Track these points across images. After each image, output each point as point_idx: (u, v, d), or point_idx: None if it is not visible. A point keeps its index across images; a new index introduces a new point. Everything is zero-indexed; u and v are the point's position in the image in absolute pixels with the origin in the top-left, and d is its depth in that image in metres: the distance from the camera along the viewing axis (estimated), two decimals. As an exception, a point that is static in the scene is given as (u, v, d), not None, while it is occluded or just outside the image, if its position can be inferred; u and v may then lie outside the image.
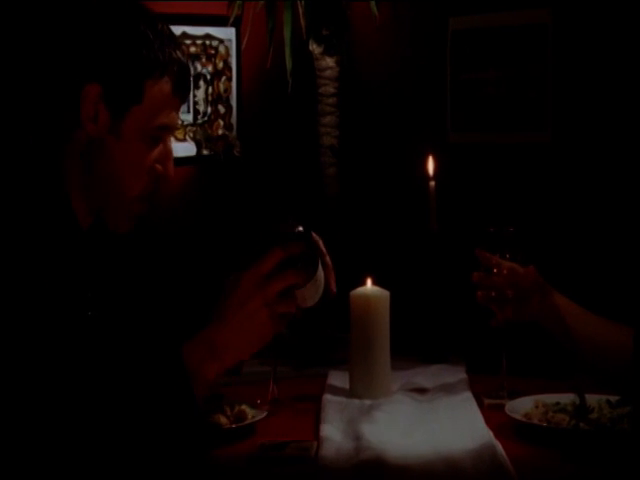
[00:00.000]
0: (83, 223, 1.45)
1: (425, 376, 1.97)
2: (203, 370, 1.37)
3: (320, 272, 1.49)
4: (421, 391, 1.88)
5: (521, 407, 1.68)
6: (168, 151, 1.47)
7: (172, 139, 1.51)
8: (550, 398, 1.69)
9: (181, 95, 1.47)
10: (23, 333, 1.28)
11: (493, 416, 1.69)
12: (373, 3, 2.48)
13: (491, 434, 1.58)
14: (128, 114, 1.42)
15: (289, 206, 1.80)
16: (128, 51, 1.41)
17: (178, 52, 1.45)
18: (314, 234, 1.54)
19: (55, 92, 1.42)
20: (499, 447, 1.53)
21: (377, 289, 1.89)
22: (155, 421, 1.33)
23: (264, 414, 1.69)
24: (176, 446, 1.36)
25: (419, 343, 2.12)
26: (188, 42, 2.64)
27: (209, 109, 2.67)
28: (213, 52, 2.68)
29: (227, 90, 2.71)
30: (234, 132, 2.68)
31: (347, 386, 1.88)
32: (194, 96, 2.64)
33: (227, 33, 2.69)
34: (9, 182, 1.37)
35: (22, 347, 1.28)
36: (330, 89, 2.56)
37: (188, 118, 2.61)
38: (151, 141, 1.44)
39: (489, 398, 1.80)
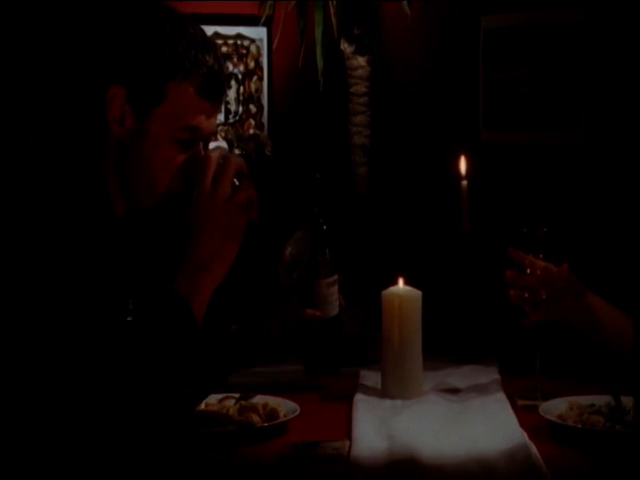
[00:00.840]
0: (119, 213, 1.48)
1: (457, 376, 1.96)
2: (199, 292, 1.41)
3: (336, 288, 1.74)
4: (453, 391, 1.87)
5: (555, 408, 1.67)
6: (199, 157, 1.47)
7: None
8: (585, 399, 1.68)
9: (209, 98, 1.46)
10: (59, 315, 1.32)
11: (527, 417, 1.68)
12: (405, 2, 2.47)
13: (525, 435, 1.57)
14: (152, 115, 1.43)
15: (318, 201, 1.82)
16: (151, 52, 1.42)
17: (207, 55, 1.45)
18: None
19: (87, 94, 1.45)
20: (533, 448, 1.51)
21: (409, 289, 1.88)
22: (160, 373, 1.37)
23: (296, 413, 1.69)
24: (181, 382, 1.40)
25: (451, 343, 2.10)
26: (220, 42, 2.65)
27: (240, 109, 2.68)
28: (244, 52, 2.69)
29: (258, 90, 2.71)
30: (265, 131, 2.68)
31: (379, 386, 1.87)
32: (226, 95, 2.64)
33: (258, 33, 2.69)
34: (53, 181, 1.39)
35: (57, 327, 1.31)
36: (361, 88, 2.55)
37: (219, 118, 2.62)
38: (179, 144, 1.45)
39: (522, 399, 1.79)
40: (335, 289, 1.87)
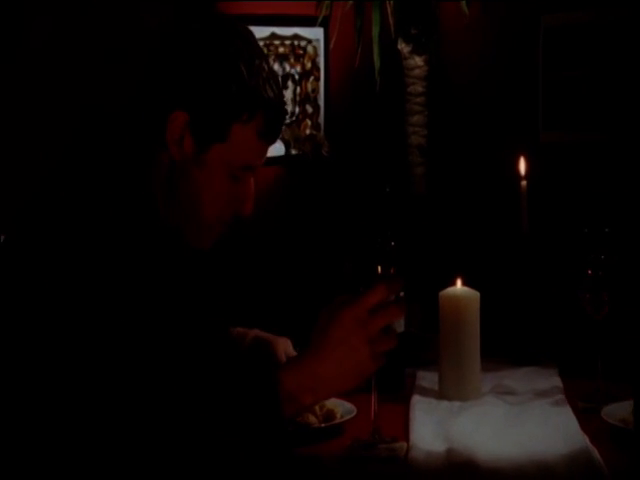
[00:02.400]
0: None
1: (516, 378, 1.93)
2: (300, 397, 1.36)
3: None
4: (512, 393, 1.84)
5: (618, 412, 1.63)
6: (248, 191, 1.46)
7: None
8: (648, 403, 1.64)
9: (268, 140, 1.46)
10: (113, 321, 1.29)
11: (588, 421, 1.65)
12: (464, 2, 2.45)
13: (586, 439, 1.55)
14: (212, 149, 1.42)
15: (383, 217, 1.79)
16: (219, 85, 1.40)
17: (273, 92, 1.43)
18: None
19: (145, 114, 1.43)
20: (595, 453, 1.49)
21: (467, 290, 1.86)
22: (242, 445, 1.32)
23: (353, 414, 1.68)
24: (258, 464, 1.35)
25: (510, 345, 2.08)
26: (277, 42, 2.65)
27: (297, 109, 2.68)
28: (301, 52, 2.69)
29: (315, 90, 2.71)
30: (322, 132, 2.68)
31: (436, 387, 1.86)
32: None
33: (315, 33, 2.70)
34: (104, 197, 1.37)
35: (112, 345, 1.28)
36: (418, 88, 2.54)
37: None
38: (232, 178, 1.44)
39: (584, 402, 1.76)
40: None
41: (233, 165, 1.43)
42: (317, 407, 1.67)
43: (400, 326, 1.87)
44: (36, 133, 2.50)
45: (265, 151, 1.47)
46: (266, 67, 1.44)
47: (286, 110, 1.48)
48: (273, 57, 2.62)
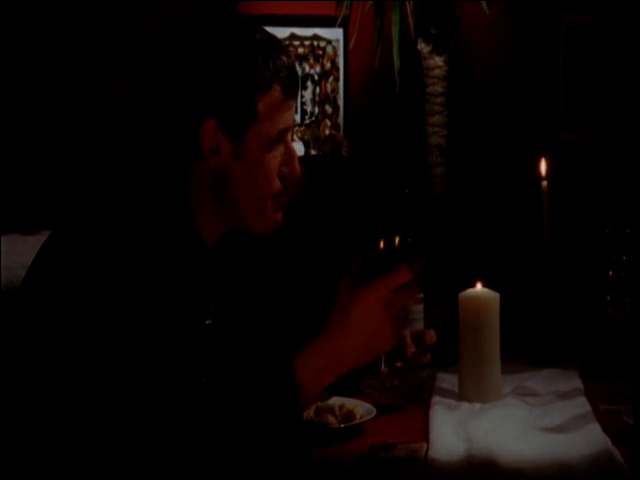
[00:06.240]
0: (209, 241, 1.47)
1: (537, 380, 1.92)
2: (319, 379, 1.38)
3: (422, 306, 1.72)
4: (533, 395, 1.83)
5: None
6: (290, 151, 1.47)
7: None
8: (670, 405, 1.63)
9: (292, 95, 1.46)
10: (142, 339, 1.29)
11: (610, 422, 1.64)
12: (484, 2, 2.44)
13: (608, 440, 1.53)
14: (248, 135, 1.42)
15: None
16: (235, 78, 1.40)
17: (282, 57, 1.44)
18: None
19: (175, 127, 1.42)
20: (617, 454, 1.48)
21: (487, 291, 1.86)
22: (259, 432, 1.33)
23: (372, 414, 1.67)
24: (278, 456, 1.34)
25: (531, 346, 2.07)
26: (296, 43, 2.65)
27: (316, 109, 2.68)
28: (321, 53, 2.69)
29: (334, 90, 2.71)
30: (341, 132, 2.68)
31: (456, 388, 1.85)
32: (302, 97, 2.65)
33: (335, 33, 2.69)
34: (138, 205, 1.37)
35: (139, 354, 1.28)
36: (438, 88, 2.53)
37: (296, 119, 2.62)
38: (273, 147, 1.44)
39: (605, 404, 1.75)
40: (421, 307, 1.86)
41: (271, 135, 1.43)
42: (336, 407, 1.67)
43: (420, 326, 1.86)
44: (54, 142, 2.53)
45: (293, 105, 1.47)
46: (264, 36, 1.44)
47: (295, 66, 1.47)
48: (293, 58, 2.63)
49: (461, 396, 1.82)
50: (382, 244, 1.70)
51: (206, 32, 1.43)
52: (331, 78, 2.70)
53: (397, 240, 1.72)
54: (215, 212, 1.45)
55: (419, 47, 2.53)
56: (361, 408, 1.69)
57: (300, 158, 1.51)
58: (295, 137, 2.58)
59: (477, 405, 1.78)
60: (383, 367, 1.74)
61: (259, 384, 1.36)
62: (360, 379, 1.81)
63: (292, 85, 1.46)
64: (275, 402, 1.35)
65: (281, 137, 1.45)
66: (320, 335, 1.40)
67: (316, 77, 2.68)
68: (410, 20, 2.49)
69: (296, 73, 1.48)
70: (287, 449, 1.35)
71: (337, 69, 2.71)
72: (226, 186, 1.43)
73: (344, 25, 2.65)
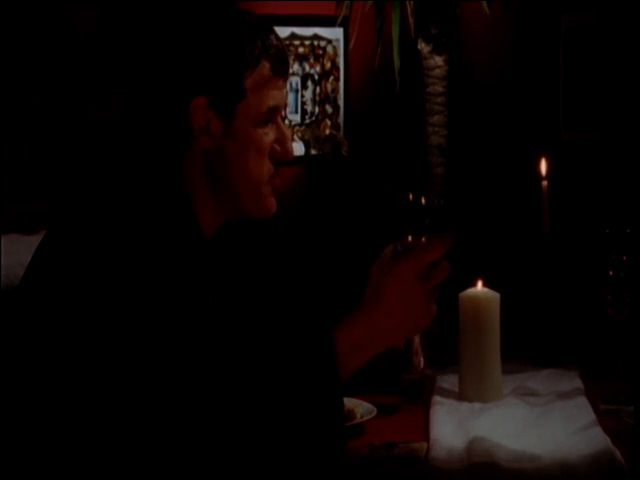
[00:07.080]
0: (207, 233, 1.47)
1: (537, 380, 1.92)
2: (357, 355, 1.37)
3: None
4: (534, 395, 1.83)
5: (640, 413, 1.62)
6: (283, 131, 1.48)
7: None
8: (670, 405, 1.63)
9: (282, 74, 1.47)
10: (142, 332, 1.29)
11: (610, 422, 1.64)
12: (484, 2, 2.44)
13: (608, 440, 1.54)
14: (237, 112, 1.43)
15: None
16: (222, 53, 1.42)
17: (271, 37, 1.45)
18: None
19: (165, 110, 1.44)
20: (617, 454, 1.48)
21: (487, 291, 1.86)
22: (299, 409, 1.33)
23: (373, 414, 1.67)
24: (313, 436, 1.36)
25: (531, 346, 2.07)
26: (296, 43, 2.65)
27: (317, 109, 2.68)
28: (321, 52, 2.69)
29: (335, 90, 2.71)
30: (341, 132, 2.68)
31: (456, 388, 1.85)
32: (302, 96, 2.65)
33: (335, 33, 2.69)
34: (135, 196, 1.37)
35: (145, 342, 1.29)
36: (438, 88, 2.53)
37: (296, 118, 2.62)
38: (264, 125, 1.45)
39: (606, 403, 1.75)
40: None
41: (261, 112, 1.44)
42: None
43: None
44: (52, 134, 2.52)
45: (284, 86, 1.48)
46: (252, 18, 1.46)
47: (283, 46, 1.48)
48: (293, 57, 2.62)
49: (461, 396, 1.82)
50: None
51: (195, 13, 1.46)
52: (331, 78, 2.70)
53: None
54: (212, 199, 1.46)
55: (419, 47, 2.53)
56: (361, 408, 1.69)
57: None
58: (295, 137, 2.58)
59: (477, 405, 1.78)
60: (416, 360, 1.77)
61: (299, 360, 1.36)
62: (397, 375, 1.83)
63: (281, 63, 1.46)
64: (315, 378, 1.34)
65: (272, 115, 1.46)
66: (355, 311, 1.40)
67: (316, 77, 2.68)
68: (410, 20, 2.49)
69: (286, 54, 1.49)
70: (325, 425, 1.35)
71: (337, 69, 2.71)
72: (220, 168, 1.44)
73: (344, 25, 2.65)
